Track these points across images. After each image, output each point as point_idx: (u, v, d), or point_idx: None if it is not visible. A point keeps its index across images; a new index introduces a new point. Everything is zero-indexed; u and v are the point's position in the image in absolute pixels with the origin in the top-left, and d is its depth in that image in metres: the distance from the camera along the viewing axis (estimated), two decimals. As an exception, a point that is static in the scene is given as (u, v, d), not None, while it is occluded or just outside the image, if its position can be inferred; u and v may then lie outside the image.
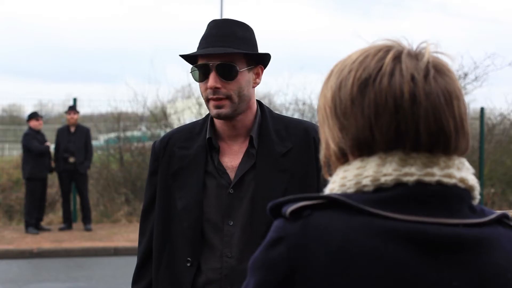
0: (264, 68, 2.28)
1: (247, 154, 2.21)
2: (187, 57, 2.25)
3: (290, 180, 2.16)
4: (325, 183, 1.20)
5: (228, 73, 2.16)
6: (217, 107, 2.16)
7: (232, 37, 2.18)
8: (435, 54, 1.13)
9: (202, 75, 2.18)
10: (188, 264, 2.19)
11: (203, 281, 2.18)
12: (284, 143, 2.20)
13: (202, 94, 2.22)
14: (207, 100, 2.19)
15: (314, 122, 2.27)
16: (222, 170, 2.20)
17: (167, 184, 2.24)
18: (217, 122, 2.25)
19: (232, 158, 2.22)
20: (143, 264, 2.32)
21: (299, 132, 2.22)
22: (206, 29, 2.22)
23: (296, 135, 2.22)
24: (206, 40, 2.19)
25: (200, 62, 2.19)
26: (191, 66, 2.22)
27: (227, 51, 2.14)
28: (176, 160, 2.25)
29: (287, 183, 2.16)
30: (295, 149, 2.20)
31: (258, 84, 2.25)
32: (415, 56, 1.12)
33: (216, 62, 2.15)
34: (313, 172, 2.17)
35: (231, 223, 2.17)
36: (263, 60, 2.25)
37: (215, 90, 2.16)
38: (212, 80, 2.15)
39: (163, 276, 2.24)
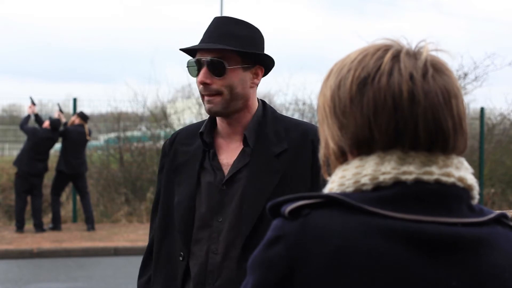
0: (267, 71, 2.28)
1: (243, 152, 2.21)
2: (188, 53, 2.27)
3: (280, 182, 2.15)
4: (324, 183, 1.20)
5: (217, 69, 2.17)
6: (209, 102, 2.18)
7: (229, 35, 2.18)
8: (434, 53, 1.14)
9: (196, 70, 2.20)
10: (181, 258, 2.22)
11: (192, 276, 2.20)
12: (280, 144, 2.20)
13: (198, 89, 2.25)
14: (202, 96, 2.21)
15: (314, 123, 2.26)
16: (217, 167, 2.21)
17: (169, 180, 2.28)
18: (217, 119, 2.27)
19: (228, 156, 2.23)
20: (147, 258, 2.37)
21: (297, 134, 2.22)
22: (208, 26, 2.25)
23: (293, 136, 2.21)
24: (203, 36, 2.22)
25: (191, 58, 2.24)
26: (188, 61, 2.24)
27: (217, 47, 2.16)
28: (178, 156, 2.29)
29: (277, 184, 2.15)
30: (290, 150, 2.19)
31: (256, 84, 2.25)
32: (414, 55, 1.12)
33: (208, 58, 2.17)
34: (306, 175, 2.16)
35: (220, 219, 2.18)
36: (262, 60, 2.24)
37: (205, 86, 2.18)
38: (201, 75, 2.17)
39: (160, 269, 2.28)
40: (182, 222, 2.22)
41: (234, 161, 2.21)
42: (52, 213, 11.26)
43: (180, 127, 14.27)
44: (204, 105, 2.22)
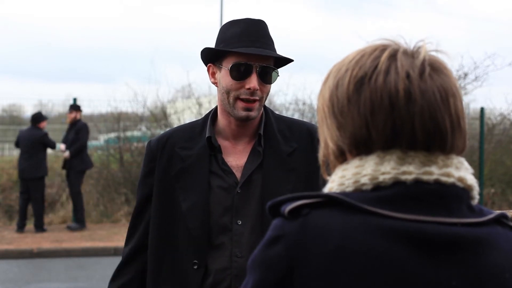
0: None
1: (253, 153, 2.18)
2: (210, 50, 2.17)
3: (297, 179, 2.15)
4: (324, 183, 1.20)
5: (268, 76, 2.14)
6: (248, 109, 2.12)
7: (271, 40, 2.16)
8: (432, 52, 1.13)
9: (241, 73, 2.11)
10: (195, 267, 2.13)
11: (210, 283, 2.13)
12: (289, 143, 2.19)
13: (229, 92, 2.13)
14: (236, 99, 2.13)
15: (314, 123, 2.27)
16: (227, 170, 2.16)
17: (168, 185, 2.18)
18: (225, 121, 2.20)
19: (237, 158, 2.19)
20: (129, 260, 2.25)
21: (302, 133, 2.22)
22: (237, 26, 2.14)
23: (299, 135, 2.21)
24: (246, 39, 2.12)
25: (239, 60, 2.12)
26: (233, 63, 2.11)
27: (276, 56, 2.13)
28: (178, 160, 2.19)
29: (294, 182, 2.15)
30: (299, 149, 2.19)
31: None
32: (411, 54, 1.12)
33: (260, 64, 2.11)
34: (317, 172, 2.14)
35: (240, 222, 2.13)
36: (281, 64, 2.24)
37: (254, 91, 2.12)
38: (255, 82, 2.11)
39: (166, 279, 2.17)
40: (195, 229, 2.13)
41: (246, 163, 2.17)
42: (80, 211, 11.11)
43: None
44: (238, 110, 2.13)
